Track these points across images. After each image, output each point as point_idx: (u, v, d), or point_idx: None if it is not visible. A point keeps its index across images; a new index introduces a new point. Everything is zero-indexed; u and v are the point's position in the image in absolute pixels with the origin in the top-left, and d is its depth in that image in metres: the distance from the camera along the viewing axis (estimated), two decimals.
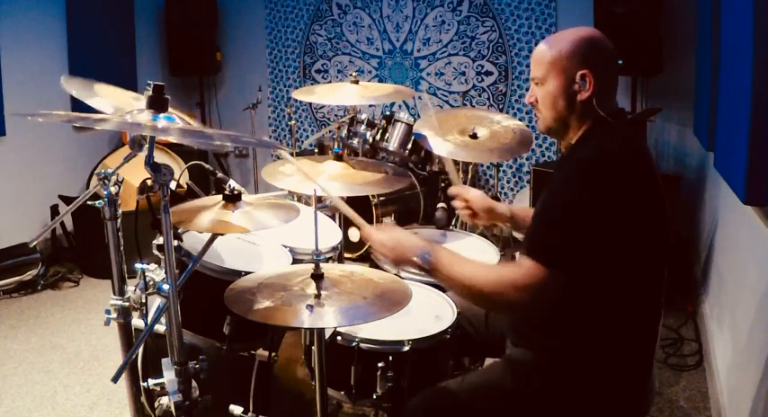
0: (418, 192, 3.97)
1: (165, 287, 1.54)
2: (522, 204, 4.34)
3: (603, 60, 1.65)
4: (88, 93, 1.74)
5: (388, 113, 3.97)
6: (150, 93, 1.49)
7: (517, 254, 1.57)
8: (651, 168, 1.60)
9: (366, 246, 1.89)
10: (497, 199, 2.95)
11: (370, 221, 3.65)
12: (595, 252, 1.51)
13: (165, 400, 1.71)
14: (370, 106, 4.93)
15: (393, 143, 3.90)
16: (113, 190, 1.81)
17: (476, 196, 2.17)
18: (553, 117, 1.69)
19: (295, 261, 2.16)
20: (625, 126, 1.70)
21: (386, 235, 1.74)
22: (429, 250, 1.64)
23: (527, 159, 4.72)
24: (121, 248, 1.88)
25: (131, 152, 1.65)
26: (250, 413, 2.06)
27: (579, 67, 1.62)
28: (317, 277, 1.60)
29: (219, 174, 2.07)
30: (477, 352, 2.09)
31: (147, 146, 1.50)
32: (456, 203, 2.20)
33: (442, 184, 4.07)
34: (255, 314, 1.53)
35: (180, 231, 2.01)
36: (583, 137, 1.67)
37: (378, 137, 3.92)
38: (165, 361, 1.62)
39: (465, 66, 4.81)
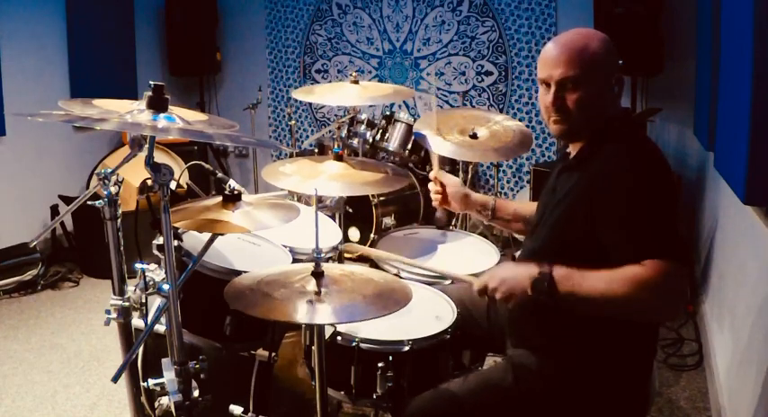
0: (418, 192, 3.97)
1: (165, 287, 1.54)
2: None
3: (618, 63, 1.65)
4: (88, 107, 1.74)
5: (388, 113, 3.97)
6: (150, 92, 1.49)
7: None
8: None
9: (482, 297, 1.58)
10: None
11: (370, 220, 3.67)
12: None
13: (165, 400, 1.72)
14: (370, 106, 4.92)
15: (393, 143, 3.90)
16: (113, 190, 1.81)
17: (451, 182, 2.17)
18: (587, 119, 1.60)
19: (295, 261, 2.16)
20: (632, 125, 1.70)
21: (491, 275, 1.65)
22: (546, 270, 1.51)
23: (527, 159, 4.72)
24: (121, 248, 1.88)
25: (131, 152, 1.65)
26: (250, 413, 2.06)
27: (615, 70, 1.61)
28: (317, 275, 1.60)
29: (219, 174, 2.07)
30: (479, 348, 2.09)
31: (147, 146, 1.51)
32: (431, 186, 2.20)
33: None
34: (255, 309, 1.52)
35: (180, 231, 2.01)
36: (596, 138, 1.63)
37: (378, 137, 3.92)
38: (165, 361, 1.62)
39: (465, 66, 4.81)
